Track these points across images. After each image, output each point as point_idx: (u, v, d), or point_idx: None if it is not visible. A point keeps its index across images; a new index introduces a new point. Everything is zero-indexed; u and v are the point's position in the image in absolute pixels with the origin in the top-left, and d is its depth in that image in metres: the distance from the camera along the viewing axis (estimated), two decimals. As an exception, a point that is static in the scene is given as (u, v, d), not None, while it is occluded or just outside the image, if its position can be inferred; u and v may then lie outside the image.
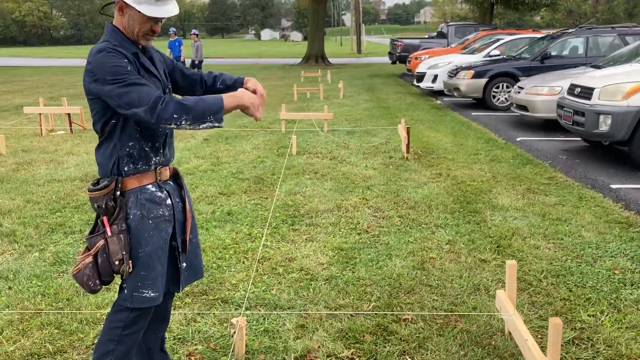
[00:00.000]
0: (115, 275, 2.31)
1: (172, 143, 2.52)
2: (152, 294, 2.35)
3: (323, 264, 4.14)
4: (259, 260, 4.19)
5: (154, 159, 2.38)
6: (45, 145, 8.68)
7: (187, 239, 2.50)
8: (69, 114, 9.82)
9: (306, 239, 4.63)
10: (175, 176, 2.53)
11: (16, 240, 4.64)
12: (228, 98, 2.32)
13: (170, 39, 17.89)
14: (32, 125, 10.41)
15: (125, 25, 2.30)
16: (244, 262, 4.18)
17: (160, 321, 2.66)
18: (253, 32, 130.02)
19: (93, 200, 2.32)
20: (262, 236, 4.66)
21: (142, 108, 2.15)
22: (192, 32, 18.91)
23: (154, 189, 2.36)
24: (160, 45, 13.35)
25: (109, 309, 3.37)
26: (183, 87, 2.62)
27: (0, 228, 4.90)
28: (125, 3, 2.24)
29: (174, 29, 18.45)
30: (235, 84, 2.58)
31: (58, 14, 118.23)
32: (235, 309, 3.45)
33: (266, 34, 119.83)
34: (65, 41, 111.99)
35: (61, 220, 5.10)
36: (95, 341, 3.08)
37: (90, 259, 2.29)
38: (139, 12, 2.23)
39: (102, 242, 2.28)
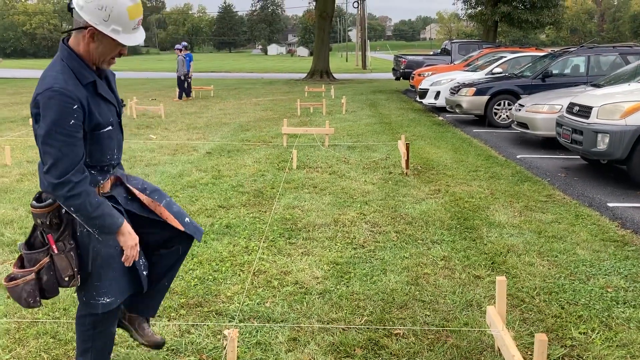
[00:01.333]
0: (60, 289, 2.34)
1: (118, 156, 2.51)
2: (107, 300, 2.41)
3: (318, 277, 4.18)
4: (254, 273, 4.24)
5: (100, 179, 2.40)
6: (49, 156, 8.77)
7: (160, 212, 2.55)
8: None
9: (302, 253, 4.68)
10: (117, 183, 2.52)
11: (17, 250, 4.69)
12: (125, 232, 2.33)
13: (180, 54, 17.81)
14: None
15: (92, 51, 2.27)
16: (239, 275, 4.23)
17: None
18: (260, 47, 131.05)
19: (36, 216, 2.31)
20: (259, 249, 4.71)
21: (51, 175, 2.15)
22: (175, 47, 18.41)
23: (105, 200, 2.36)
24: (171, 59, 13.39)
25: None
26: None
27: (2, 238, 4.97)
28: (101, 32, 2.21)
29: (185, 44, 18.47)
30: None
31: (67, 27, 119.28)
32: (229, 321, 3.50)
33: (273, 49, 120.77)
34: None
35: (61, 231, 5.16)
36: (90, 351, 3.14)
37: (32, 275, 2.28)
38: (115, 40, 2.24)
39: (46, 259, 2.30)
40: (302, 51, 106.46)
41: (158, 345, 2.85)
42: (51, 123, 2.14)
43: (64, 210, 2.30)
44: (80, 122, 2.20)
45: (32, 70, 46.81)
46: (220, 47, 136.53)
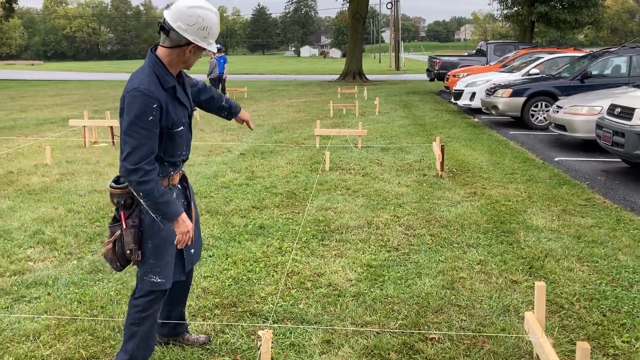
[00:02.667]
0: (129, 261, 2.70)
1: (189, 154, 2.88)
2: (158, 280, 2.72)
3: (351, 280, 4.16)
4: (287, 274, 4.24)
5: (171, 171, 2.77)
6: (88, 156, 8.97)
7: (195, 232, 2.87)
8: (111, 127, 10.13)
9: (335, 255, 4.66)
10: (183, 179, 2.89)
11: (56, 248, 4.81)
12: (181, 220, 2.63)
13: (214, 56, 17.93)
14: (76, 137, 10.79)
15: (185, 61, 2.66)
16: (273, 276, 4.23)
17: (179, 299, 3.12)
18: (293, 48, 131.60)
19: (113, 195, 2.69)
20: (292, 250, 4.72)
21: (128, 162, 2.47)
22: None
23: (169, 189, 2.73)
24: (204, 61, 13.63)
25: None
26: (203, 105, 3.11)
27: (43, 236, 5.09)
28: (200, 47, 2.59)
29: (220, 46, 18.60)
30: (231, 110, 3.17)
31: (106, 30, 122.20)
32: (263, 322, 3.50)
33: (306, 50, 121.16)
34: (111, 56, 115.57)
35: (99, 230, 5.27)
36: (126, 348, 3.19)
37: (110, 245, 2.70)
38: (204, 49, 2.62)
39: (118, 232, 2.69)
40: (335, 52, 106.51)
41: (205, 344, 3.20)
42: (134, 117, 2.47)
43: None
44: (157, 120, 2.53)
45: (71, 73, 48.03)
46: (253, 49, 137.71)
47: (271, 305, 3.72)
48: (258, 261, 4.51)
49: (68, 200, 6.30)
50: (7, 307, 3.70)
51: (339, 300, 3.82)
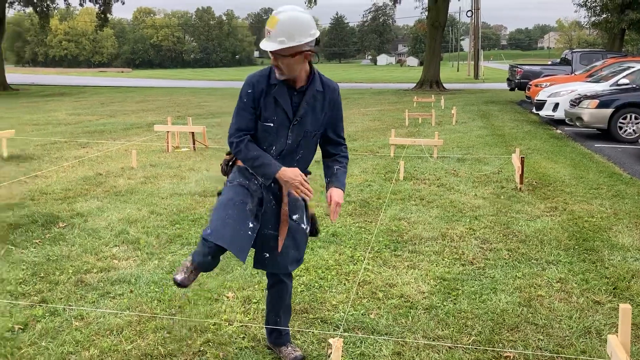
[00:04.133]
0: None
1: (290, 160, 2.93)
2: (208, 231, 2.83)
3: (424, 292, 4.10)
4: (359, 283, 4.24)
5: None
6: (170, 161, 9.37)
7: (282, 237, 2.94)
8: (192, 133, 10.53)
9: (408, 266, 4.62)
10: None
11: (139, 248, 5.05)
12: (280, 176, 2.83)
13: None
14: (160, 141, 11.30)
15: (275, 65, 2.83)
16: (344, 284, 4.25)
17: (271, 305, 3.24)
18: (369, 57, 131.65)
19: (223, 161, 3.10)
20: (364, 259, 4.71)
21: (229, 133, 2.92)
22: None
23: (258, 183, 2.93)
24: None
25: (217, 318, 3.59)
26: (322, 150, 3.11)
27: (127, 236, 5.36)
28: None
29: None
30: (329, 184, 3.04)
31: (190, 39, 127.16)
32: (334, 330, 3.52)
33: (382, 59, 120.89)
34: (194, 64, 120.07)
35: (179, 232, 5.48)
36: (202, 348, 3.30)
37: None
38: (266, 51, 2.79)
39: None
40: (412, 61, 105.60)
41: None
42: (238, 97, 2.89)
43: (230, 163, 3.06)
44: (250, 102, 2.85)
45: (157, 80, 50.32)
46: (330, 57, 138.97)
47: (342, 314, 3.74)
48: (330, 269, 4.54)
49: (151, 202, 6.59)
50: (94, 301, 3.92)
51: (410, 312, 3.78)
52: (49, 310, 3.75)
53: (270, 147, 2.89)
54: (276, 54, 2.72)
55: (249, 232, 2.84)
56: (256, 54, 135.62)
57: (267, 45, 2.73)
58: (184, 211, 6.22)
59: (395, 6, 37.05)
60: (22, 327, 3.51)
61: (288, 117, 2.84)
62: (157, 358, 3.20)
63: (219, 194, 3.00)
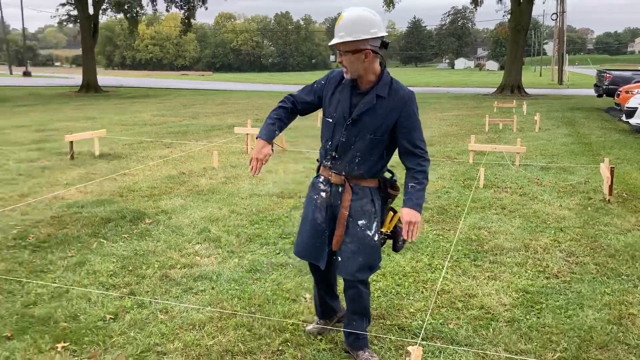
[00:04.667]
0: None
1: (347, 159, 3.01)
2: (295, 246, 3.25)
3: (505, 304, 3.97)
4: (438, 292, 4.17)
5: (323, 157, 3.11)
6: (249, 162, 9.57)
7: (337, 239, 3.06)
8: (271, 135, 10.72)
9: (489, 277, 4.49)
10: (345, 188, 3.03)
11: (220, 246, 5.20)
12: (257, 141, 3.07)
13: None
14: (239, 143, 11.59)
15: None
16: (422, 292, 4.19)
17: (325, 282, 3.40)
18: (447, 60, 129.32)
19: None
20: (443, 268, 4.63)
21: None
22: None
23: (321, 180, 3.14)
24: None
25: (295, 319, 3.63)
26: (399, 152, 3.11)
27: (209, 234, 5.53)
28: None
29: None
30: (403, 203, 3.01)
31: (268, 43, 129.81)
32: (412, 338, 3.48)
33: (460, 62, 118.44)
34: (272, 68, 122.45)
35: (258, 232, 5.60)
36: (280, 348, 3.35)
37: None
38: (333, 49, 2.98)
39: None
40: (492, 65, 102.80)
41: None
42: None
43: (316, 174, 3.26)
44: (317, 88, 3.09)
45: (236, 83, 51.68)
46: (406, 61, 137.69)
47: (420, 322, 3.69)
48: (407, 276, 4.48)
49: (231, 202, 6.78)
50: (178, 296, 4.07)
51: (491, 325, 3.67)
52: (137, 302, 3.92)
53: (328, 142, 3.06)
54: (337, 49, 2.86)
55: (325, 242, 3.10)
56: (332, 57, 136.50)
57: (333, 40, 2.87)
58: (262, 211, 6.35)
59: (475, 9, 36.22)
60: (112, 317, 3.70)
61: (344, 115, 2.95)
62: (238, 355, 3.28)
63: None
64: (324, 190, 3.10)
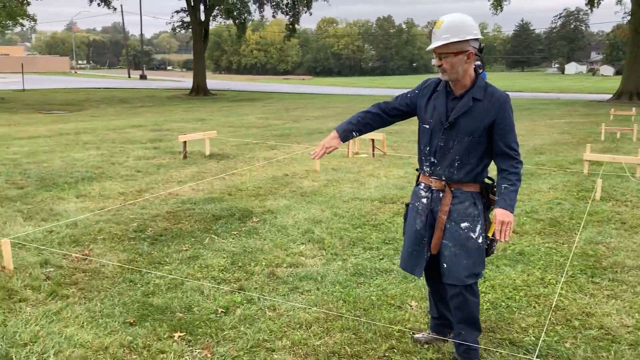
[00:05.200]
0: None
1: (447, 163, 3.02)
2: (400, 258, 3.27)
3: (628, 326, 3.70)
4: (552, 308, 3.96)
5: (422, 164, 3.14)
6: (350, 166, 9.64)
7: (435, 242, 3.05)
8: (372, 140, 10.73)
9: (608, 295, 4.20)
10: (445, 192, 3.03)
11: (324, 248, 5.26)
12: (333, 131, 3.21)
13: None
14: (341, 146, 11.67)
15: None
16: (534, 307, 3.99)
17: (438, 294, 3.38)
18: (557, 65, 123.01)
19: None
20: (557, 283, 4.39)
21: None
22: None
23: (421, 187, 3.16)
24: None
25: (401, 325, 3.60)
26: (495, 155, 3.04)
27: (313, 235, 5.62)
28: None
29: (479, 63, 18.29)
30: (496, 204, 2.97)
31: (369, 48, 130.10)
32: (524, 354, 3.33)
33: (571, 67, 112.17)
34: (372, 72, 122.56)
35: (361, 236, 5.61)
36: (387, 354, 3.33)
37: None
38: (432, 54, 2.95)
39: None
40: (607, 70, 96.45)
41: None
42: None
43: (415, 182, 3.30)
44: (410, 96, 3.16)
45: (335, 87, 52.23)
46: (512, 65, 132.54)
47: (533, 338, 3.52)
48: (518, 289, 4.30)
49: (333, 205, 6.84)
50: (285, 294, 4.16)
51: (612, 347, 3.43)
52: (246, 298, 4.06)
53: (426, 147, 3.10)
54: (440, 52, 2.88)
55: (423, 250, 3.10)
56: (433, 61, 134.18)
57: (432, 44, 2.90)
58: (365, 216, 6.36)
59: (591, 10, 34.13)
60: (224, 311, 3.85)
61: (441, 120, 2.99)
62: (344, 357, 3.30)
63: (405, 218, 3.31)
64: (424, 197, 3.12)
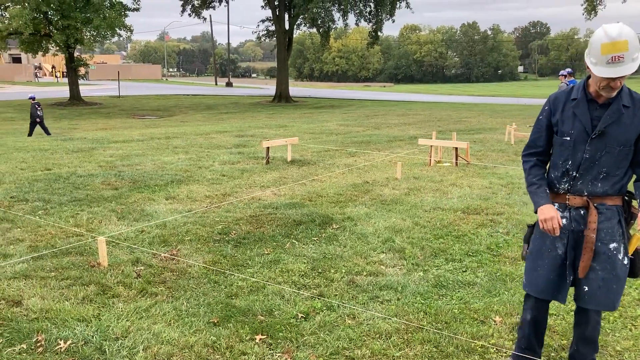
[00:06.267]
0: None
1: (590, 177, 2.87)
2: (525, 281, 3.07)
3: None
4: (650, 332, 3.70)
5: (556, 183, 2.97)
6: (432, 174, 9.48)
7: (584, 264, 2.85)
8: (456, 148, 10.51)
9: None
10: (590, 209, 2.86)
11: (404, 257, 5.19)
12: (540, 210, 2.88)
13: (565, 80, 16.85)
14: (422, 155, 11.53)
15: (590, 81, 2.85)
16: (631, 330, 3.75)
17: (543, 324, 3.18)
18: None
19: None
20: (657, 306, 4.09)
21: (525, 145, 3.11)
22: (560, 73, 17.17)
23: (555, 207, 2.94)
24: (550, 85, 12.79)
25: (484, 341, 3.49)
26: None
27: (393, 244, 5.56)
28: (586, 63, 2.79)
29: (570, 70, 17.45)
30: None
31: (452, 54, 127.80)
32: (619, 380, 3.13)
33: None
34: (455, 79, 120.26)
35: (443, 247, 5.49)
36: (469, 369, 3.22)
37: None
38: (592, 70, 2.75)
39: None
40: None
41: None
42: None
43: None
44: (543, 120, 2.99)
45: (417, 95, 51.65)
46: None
47: (629, 363, 3.30)
48: (612, 309, 4.05)
49: (415, 214, 6.75)
50: (364, 303, 4.15)
51: None
52: (326, 305, 4.08)
53: (567, 162, 2.90)
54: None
55: (566, 275, 2.94)
56: (520, 69, 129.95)
57: (626, 68, 2.64)
58: (447, 226, 6.22)
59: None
60: (304, 316, 3.89)
61: (586, 130, 2.83)
62: (425, 370, 3.23)
63: (526, 240, 3.14)
64: (562, 217, 2.93)
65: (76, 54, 31.69)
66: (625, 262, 2.85)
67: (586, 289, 2.86)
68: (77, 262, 4.88)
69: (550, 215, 2.85)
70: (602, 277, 2.82)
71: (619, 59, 2.62)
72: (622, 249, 2.83)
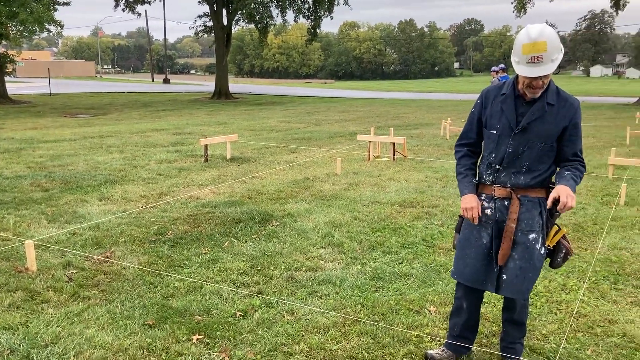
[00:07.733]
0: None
1: (513, 170, 2.95)
2: (453, 269, 3.17)
3: (652, 334, 3.62)
4: (573, 314, 3.90)
5: (483, 174, 3.07)
6: (371, 169, 9.62)
7: (503, 252, 2.94)
8: (393, 144, 10.70)
9: (632, 302, 4.12)
10: (512, 200, 2.94)
11: (343, 252, 5.25)
12: (463, 198, 3.05)
13: (497, 76, 17.39)
14: (361, 150, 11.67)
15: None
16: (556, 314, 3.94)
17: (475, 312, 3.26)
18: (581, 68, 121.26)
19: None
20: (579, 290, 4.32)
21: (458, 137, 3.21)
22: (492, 69, 17.80)
23: (482, 197, 3.06)
24: (484, 80, 13.28)
25: (419, 330, 3.57)
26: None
27: (332, 239, 5.61)
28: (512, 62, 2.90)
29: (503, 66, 18.01)
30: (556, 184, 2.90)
31: (390, 51, 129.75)
32: (544, 362, 3.28)
33: (596, 70, 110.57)
34: (393, 75, 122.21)
35: (381, 240, 5.59)
36: (404, 359, 3.30)
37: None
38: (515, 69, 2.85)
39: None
40: (633, 72, 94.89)
41: None
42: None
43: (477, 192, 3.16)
44: (475, 113, 3.09)
45: (357, 91, 52.21)
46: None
47: (554, 345, 3.47)
48: (539, 295, 4.24)
49: (353, 209, 6.83)
50: (303, 298, 4.17)
51: (635, 355, 3.37)
52: (265, 302, 4.07)
53: (491, 154, 3.01)
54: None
55: (493, 263, 3.00)
56: (456, 65, 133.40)
57: (545, 69, 2.72)
58: (384, 220, 6.33)
59: (616, 13, 33.55)
60: (242, 314, 3.87)
61: (511, 125, 2.92)
62: (361, 362, 3.28)
63: (457, 230, 3.22)
64: (487, 207, 3.02)
65: (1, 49, 30.14)
66: (543, 252, 2.96)
67: (504, 277, 2.95)
68: (3, 267, 4.66)
69: (471, 205, 3.00)
70: (519, 267, 2.92)
71: (538, 59, 2.71)
72: (540, 239, 2.94)
